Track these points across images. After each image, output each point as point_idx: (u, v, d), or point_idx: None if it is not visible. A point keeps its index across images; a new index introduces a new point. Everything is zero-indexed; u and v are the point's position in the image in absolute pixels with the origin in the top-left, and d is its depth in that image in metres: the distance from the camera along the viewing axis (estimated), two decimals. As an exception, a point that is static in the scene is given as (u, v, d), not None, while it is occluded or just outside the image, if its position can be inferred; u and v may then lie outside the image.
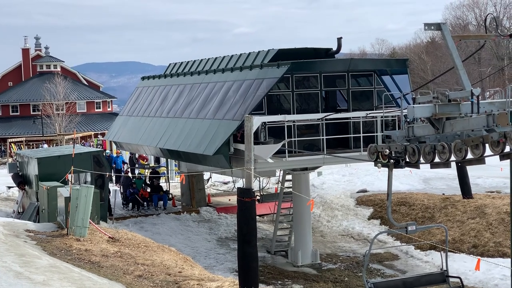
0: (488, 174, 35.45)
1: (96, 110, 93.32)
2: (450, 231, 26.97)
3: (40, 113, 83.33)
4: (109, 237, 18.70)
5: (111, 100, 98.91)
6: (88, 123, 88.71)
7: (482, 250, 25.57)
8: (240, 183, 37.49)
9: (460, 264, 24.02)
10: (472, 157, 14.31)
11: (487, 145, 13.88)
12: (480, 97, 14.79)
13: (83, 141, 74.81)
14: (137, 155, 43.46)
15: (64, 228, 19.05)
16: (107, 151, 51.12)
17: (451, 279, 16.12)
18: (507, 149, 13.68)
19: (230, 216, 33.37)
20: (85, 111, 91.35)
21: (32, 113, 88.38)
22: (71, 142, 66.17)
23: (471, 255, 24.50)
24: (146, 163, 40.77)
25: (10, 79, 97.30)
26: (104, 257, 15.66)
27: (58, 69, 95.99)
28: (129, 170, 39.79)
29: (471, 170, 29.26)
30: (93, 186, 19.65)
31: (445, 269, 16.06)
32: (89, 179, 26.63)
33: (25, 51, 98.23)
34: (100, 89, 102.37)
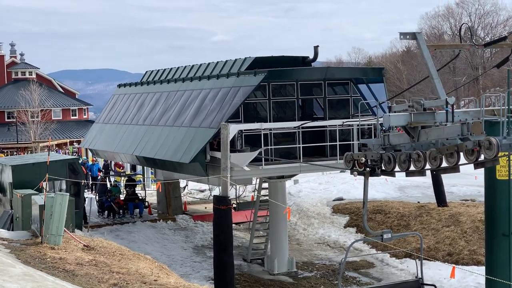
0: (463, 182, 35.75)
1: (72, 117, 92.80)
2: (425, 239, 27.14)
3: (15, 120, 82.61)
4: (84, 245, 18.56)
5: (87, 108, 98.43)
6: (63, 131, 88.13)
7: (456, 258, 25.74)
8: (217, 191, 37.46)
9: (435, 272, 24.15)
10: (447, 165, 14.42)
11: (461, 153, 13.99)
12: (455, 106, 14.93)
13: (57, 148, 74.27)
14: (112, 163, 43.26)
15: (38, 236, 18.86)
16: (84, 157, 50.85)
17: (426, 287, 16.21)
18: (481, 157, 13.80)
19: (207, 224, 33.29)
20: (61, 118, 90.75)
21: (6, 120, 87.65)
22: (46, 150, 65.66)
23: (446, 263, 24.65)
24: (122, 170, 40.61)
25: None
26: (79, 266, 15.52)
27: (34, 76, 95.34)
28: (105, 177, 39.57)
29: (446, 178, 29.48)
30: (68, 194, 19.49)
31: (420, 276, 16.14)
32: (64, 186, 26.40)
33: (0, 58, 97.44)
34: (76, 97, 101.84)
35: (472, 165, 14.15)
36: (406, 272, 25.82)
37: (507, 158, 15.91)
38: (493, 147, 13.30)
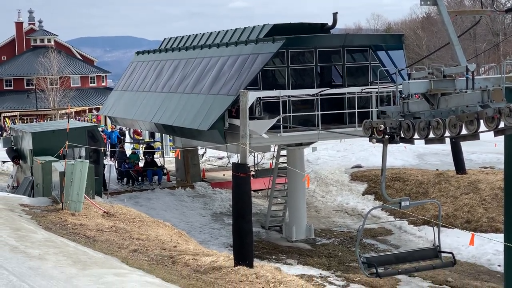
0: (482, 149, 35.55)
1: (90, 84, 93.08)
2: (443, 206, 27.11)
3: (34, 87, 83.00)
4: (104, 212, 18.76)
5: (106, 75, 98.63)
6: (82, 98, 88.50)
7: (475, 226, 25.73)
8: (235, 158, 37.57)
9: (453, 239, 24.17)
10: (466, 133, 14.32)
11: (481, 121, 13.89)
12: (475, 72, 14.78)
13: (78, 117, 74.61)
14: (131, 130, 43.46)
15: (59, 203, 19.09)
16: (102, 125, 51.11)
17: (443, 254, 16.22)
18: (502, 125, 13.69)
19: (225, 191, 33.44)
20: (79, 85, 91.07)
21: (26, 87, 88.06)
22: (65, 117, 66.07)
23: (464, 230, 24.65)
24: (141, 138, 40.78)
25: (3, 53, 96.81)
26: (99, 232, 15.71)
27: (52, 43, 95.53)
28: (123, 145, 39.79)
29: (465, 146, 29.34)
30: (88, 161, 19.66)
31: (438, 244, 16.14)
32: (83, 154, 26.61)
33: (19, 25, 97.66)
34: (94, 64, 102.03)
35: (492, 132, 14.05)
36: (424, 239, 25.86)
37: (528, 126, 15.76)
38: (513, 114, 13.17)
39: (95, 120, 65.68)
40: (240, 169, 13.68)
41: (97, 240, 14.75)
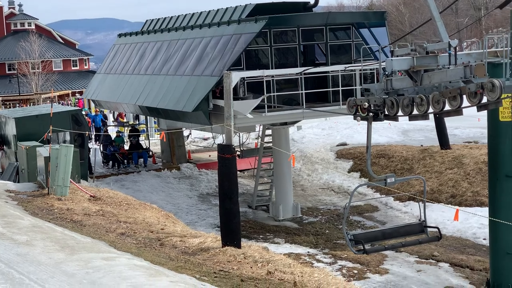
0: (466, 124, 35.78)
1: (72, 68, 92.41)
2: (428, 181, 27.30)
3: (15, 72, 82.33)
4: (91, 196, 18.75)
5: (88, 58, 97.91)
6: (65, 82, 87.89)
7: (460, 200, 25.95)
8: (220, 138, 37.57)
9: (439, 214, 24.39)
10: (449, 108, 14.40)
11: (464, 96, 13.96)
12: (457, 48, 14.83)
13: (62, 101, 74.18)
14: (115, 113, 43.35)
15: (44, 188, 19.05)
16: (85, 108, 50.89)
17: (429, 229, 16.37)
18: (484, 99, 13.77)
19: (211, 172, 33.48)
20: (62, 69, 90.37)
21: (7, 72, 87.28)
22: (48, 101, 65.67)
23: (449, 205, 24.86)
24: (125, 121, 40.67)
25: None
26: (86, 216, 15.71)
27: (33, 27, 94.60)
28: (108, 128, 39.68)
29: (449, 121, 29.49)
30: (73, 145, 19.61)
31: (423, 219, 16.28)
32: (68, 138, 26.54)
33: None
34: (76, 47, 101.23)
35: (475, 107, 14.13)
36: (409, 215, 26.06)
37: (510, 100, 15.88)
38: (496, 89, 13.24)
39: (78, 105, 65.34)
40: (225, 150, 13.71)
41: (84, 224, 14.76)
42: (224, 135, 17.72)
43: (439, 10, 16.31)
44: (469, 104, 14.02)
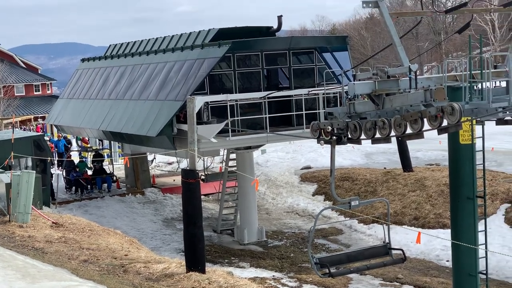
0: (427, 147, 36.19)
1: (35, 93, 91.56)
2: (392, 204, 27.52)
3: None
4: (53, 223, 18.52)
5: (51, 83, 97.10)
6: (27, 107, 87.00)
7: (423, 222, 26.17)
8: (185, 163, 37.47)
9: (402, 236, 24.53)
10: (411, 131, 14.58)
11: (425, 119, 14.15)
12: (418, 72, 15.05)
13: (24, 127, 73.33)
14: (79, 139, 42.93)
15: (6, 215, 18.76)
16: (48, 133, 50.39)
17: (393, 251, 16.45)
18: (445, 123, 13.97)
19: (176, 197, 33.33)
20: (24, 94, 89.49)
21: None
22: (10, 127, 64.87)
23: (413, 227, 25.06)
24: (89, 146, 40.35)
25: None
26: (48, 243, 15.51)
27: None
28: (71, 153, 39.32)
29: (411, 144, 29.85)
30: (35, 171, 19.38)
31: (388, 241, 16.37)
32: (30, 164, 26.22)
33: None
34: (39, 72, 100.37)
35: (436, 130, 14.32)
36: (374, 237, 26.19)
37: (470, 123, 16.13)
38: (456, 113, 13.46)
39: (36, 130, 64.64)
40: (189, 175, 13.68)
41: (46, 251, 14.56)
42: (188, 159, 17.73)
43: (400, 35, 16.56)
44: (430, 128, 14.21)
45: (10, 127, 63.55)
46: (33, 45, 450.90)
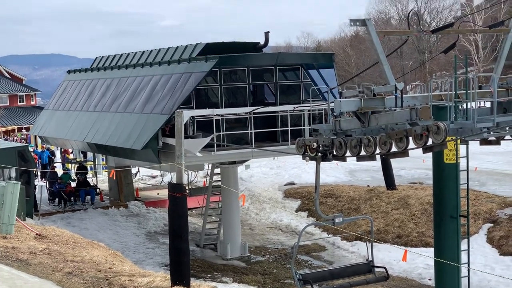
0: (411, 165, 36.40)
1: (19, 103, 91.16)
2: (375, 221, 27.62)
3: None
4: (37, 234, 18.43)
5: (35, 94, 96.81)
6: (11, 117, 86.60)
7: (406, 240, 26.30)
8: (168, 177, 37.44)
9: (385, 254, 24.65)
10: (396, 149, 14.71)
11: (410, 138, 14.29)
12: (403, 91, 15.21)
13: (6, 136, 72.99)
14: (62, 150, 42.76)
15: (-11, 226, 18.64)
16: (32, 144, 50.15)
17: (376, 269, 16.54)
18: (430, 141, 14.12)
19: (159, 210, 33.28)
20: (8, 104, 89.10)
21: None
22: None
23: (396, 245, 25.18)
24: (73, 158, 40.22)
25: None
26: (33, 255, 15.43)
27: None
28: (55, 165, 39.17)
29: (395, 162, 29.97)
30: (19, 182, 19.29)
31: (371, 259, 16.45)
32: (13, 174, 26.09)
33: None
34: (23, 82, 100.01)
35: (421, 149, 14.46)
36: (357, 254, 26.27)
37: (455, 142, 16.30)
38: (441, 132, 13.61)
39: (25, 139, 64.30)
40: (176, 189, 13.68)
41: (30, 263, 14.49)
42: (173, 173, 17.80)
43: (385, 54, 16.75)
44: (415, 146, 14.35)
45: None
46: (18, 56, 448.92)
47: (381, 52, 16.02)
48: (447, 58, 69.23)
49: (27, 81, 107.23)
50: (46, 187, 35.26)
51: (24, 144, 37.40)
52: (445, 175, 17.09)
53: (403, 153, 14.64)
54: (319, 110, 25.68)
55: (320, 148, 16.34)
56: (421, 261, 23.84)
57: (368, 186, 33.23)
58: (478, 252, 23.58)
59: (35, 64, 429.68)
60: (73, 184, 35.40)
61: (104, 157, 37.60)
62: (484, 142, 16.40)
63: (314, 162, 16.71)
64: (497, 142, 16.45)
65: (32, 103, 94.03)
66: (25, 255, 15.18)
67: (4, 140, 59.11)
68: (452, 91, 15.05)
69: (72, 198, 34.40)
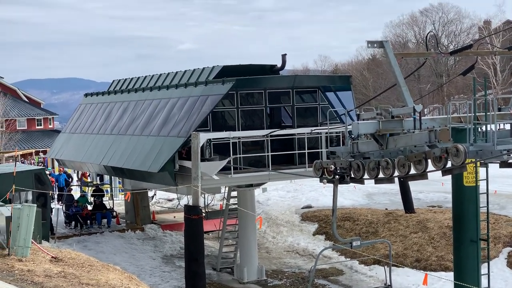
0: (430, 189, 36.09)
1: (37, 127, 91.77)
2: (393, 245, 27.30)
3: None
4: (52, 257, 18.34)
5: (53, 117, 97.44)
6: (29, 141, 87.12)
7: (424, 264, 25.95)
8: (185, 200, 37.35)
9: (404, 278, 24.32)
10: (415, 172, 14.55)
11: (429, 160, 14.13)
12: (422, 113, 15.08)
13: (22, 159, 73.36)
14: (79, 173, 42.90)
15: (5, 248, 18.59)
16: (49, 168, 50.34)
17: (395, 293, 16.33)
18: (449, 164, 13.95)
19: (175, 234, 33.13)
20: (26, 128, 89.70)
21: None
22: (11, 160, 64.85)
23: (414, 269, 24.84)
24: (90, 181, 40.28)
25: None
26: (48, 278, 15.34)
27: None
28: (72, 188, 39.24)
29: (413, 185, 29.75)
30: (36, 205, 19.26)
31: (389, 283, 16.25)
32: (30, 197, 26.09)
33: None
34: (41, 106, 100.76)
35: (439, 172, 14.29)
36: (375, 278, 25.95)
37: (474, 165, 16.11)
38: (460, 154, 13.46)
39: (42, 163, 64.56)
40: (192, 211, 13.62)
41: (45, 286, 14.39)
42: (189, 196, 17.63)
43: (403, 76, 16.63)
44: (434, 169, 14.19)
45: (11, 160, 63.54)
46: (36, 80, 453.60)
47: (399, 74, 15.91)
48: (465, 81, 69.05)
49: (45, 105, 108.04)
50: (63, 210, 35.27)
51: (41, 167, 37.49)
52: (465, 198, 16.88)
53: (422, 175, 14.50)
54: (336, 132, 25.54)
55: (338, 171, 16.22)
56: (440, 286, 23.44)
57: (386, 209, 32.94)
58: (498, 276, 23.21)
59: (54, 88, 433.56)
60: (90, 207, 35.39)
61: (120, 180, 37.61)
62: (504, 164, 16.21)
63: (331, 185, 16.58)
64: (517, 164, 16.24)
65: (50, 126, 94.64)
66: (40, 278, 15.09)
67: (22, 163, 59.40)
68: (471, 113, 14.88)
69: (88, 221, 34.38)
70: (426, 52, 18.61)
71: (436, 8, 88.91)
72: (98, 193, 36.33)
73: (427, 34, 24.92)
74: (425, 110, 65.07)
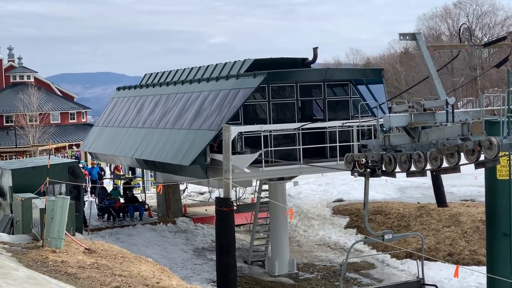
0: (463, 182, 35.77)
1: (70, 121, 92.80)
2: (425, 239, 27.13)
3: (13, 124, 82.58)
4: (85, 249, 18.56)
5: (86, 111, 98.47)
6: (62, 134, 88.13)
7: (457, 258, 25.75)
8: (216, 193, 37.47)
9: (436, 272, 24.16)
10: (447, 165, 14.44)
11: (462, 153, 14.02)
12: (454, 106, 14.96)
13: (56, 152, 74.23)
14: (112, 166, 43.29)
15: (39, 240, 18.86)
16: (82, 161, 50.86)
17: (427, 287, 16.24)
18: (482, 157, 13.82)
19: (207, 227, 33.28)
20: (59, 122, 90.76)
21: (5, 124, 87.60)
22: (45, 153, 65.67)
23: (447, 263, 24.67)
24: (122, 174, 40.62)
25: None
26: (81, 269, 15.53)
27: (32, 79, 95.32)
28: (104, 181, 39.62)
29: (446, 179, 29.51)
30: (69, 197, 19.49)
31: (421, 277, 16.16)
32: (64, 190, 26.41)
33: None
34: (74, 100, 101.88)
35: (472, 165, 14.17)
36: (407, 272, 25.82)
37: (508, 158, 15.94)
38: (493, 147, 13.33)
39: (75, 156, 65.22)
40: (223, 203, 13.67)
41: (79, 277, 14.57)
42: (221, 189, 17.71)
43: (436, 69, 16.49)
44: (467, 162, 14.07)
45: (45, 153, 64.34)
46: (70, 74, 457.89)
47: (432, 66, 15.78)
48: (499, 74, 68.19)
49: (78, 99, 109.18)
50: (96, 202, 35.64)
51: (74, 160, 37.90)
52: (498, 192, 16.72)
53: (455, 169, 14.38)
54: (368, 125, 25.43)
55: (369, 164, 16.15)
56: (473, 280, 23.28)
57: (418, 203, 32.73)
58: (532, 271, 22.94)
59: (87, 82, 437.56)
60: (122, 200, 35.70)
61: (152, 173, 37.87)
62: (538, 157, 16.00)
63: (363, 178, 16.52)
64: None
65: (83, 120, 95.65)
66: (74, 269, 15.28)
67: (56, 156, 60.10)
68: (505, 106, 14.72)
69: (121, 214, 34.68)
70: (459, 44, 18.43)
71: (470, 0, 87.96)
72: (128, 185, 36.61)
73: (461, 26, 24.52)
74: (459, 103, 64.50)
